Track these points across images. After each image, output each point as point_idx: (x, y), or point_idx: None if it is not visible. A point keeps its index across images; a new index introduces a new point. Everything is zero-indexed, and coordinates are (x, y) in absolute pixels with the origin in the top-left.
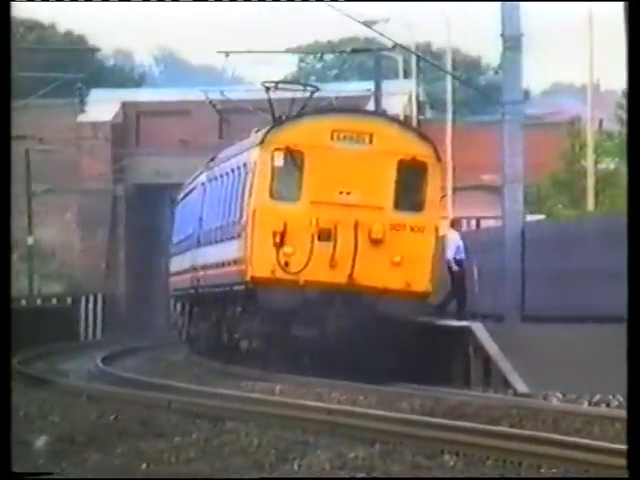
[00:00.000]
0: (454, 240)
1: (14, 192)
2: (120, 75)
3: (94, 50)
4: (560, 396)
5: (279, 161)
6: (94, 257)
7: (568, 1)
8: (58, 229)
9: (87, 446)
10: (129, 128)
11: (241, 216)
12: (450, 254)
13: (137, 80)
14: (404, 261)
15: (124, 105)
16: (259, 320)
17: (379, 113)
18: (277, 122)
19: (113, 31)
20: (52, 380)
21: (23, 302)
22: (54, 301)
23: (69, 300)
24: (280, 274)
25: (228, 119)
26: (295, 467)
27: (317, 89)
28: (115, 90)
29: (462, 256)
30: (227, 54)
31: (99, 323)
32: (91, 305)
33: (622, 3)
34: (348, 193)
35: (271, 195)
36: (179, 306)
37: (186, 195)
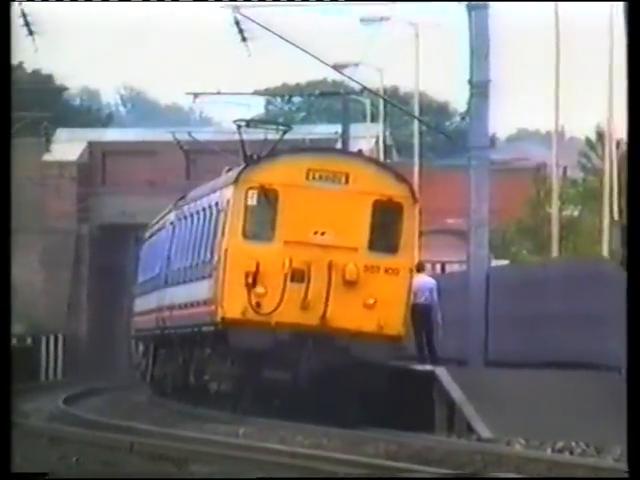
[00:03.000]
0: (423, 284)
1: None
2: (87, 115)
3: (61, 90)
4: (523, 442)
5: (253, 200)
6: (57, 297)
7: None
8: (21, 268)
9: None
10: (95, 168)
11: (212, 256)
12: (420, 299)
13: (104, 120)
14: (378, 303)
15: (90, 145)
16: (229, 362)
17: (356, 153)
18: (251, 161)
19: (80, 71)
20: (12, 421)
21: None
22: (14, 341)
23: (29, 340)
24: (251, 315)
25: (195, 160)
26: None
27: (289, 128)
28: (81, 130)
29: (431, 301)
30: (195, 95)
31: (60, 363)
32: (52, 345)
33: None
34: (322, 233)
35: (244, 235)
36: (142, 347)
37: (153, 234)
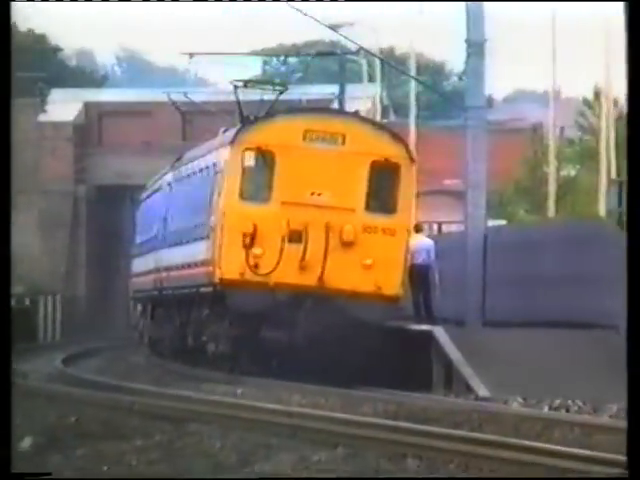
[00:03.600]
0: (421, 245)
1: None
2: (82, 75)
3: (56, 50)
4: (521, 400)
5: (250, 161)
6: (54, 258)
7: (561, 1)
8: (18, 230)
9: (48, 447)
10: (91, 128)
11: (210, 216)
12: (417, 259)
13: (99, 80)
14: (375, 264)
15: (86, 105)
16: (227, 322)
17: (352, 113)
18: (248, 122)
19: (75, 31)
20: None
21: None
22: (12, 302)
23: (27, 301)
24: (249, 276)
25: (191, 120)
26: (258, 470)
27: (286, 88)
28: (77, 90)
29: (429, 261)
30: (191, 55)
31: (58, 324)
32: (50, 306)
33: (599, 6)
34: (319, 194)
35: (241, 196)
36: (140, 307)
37: (150, 195)
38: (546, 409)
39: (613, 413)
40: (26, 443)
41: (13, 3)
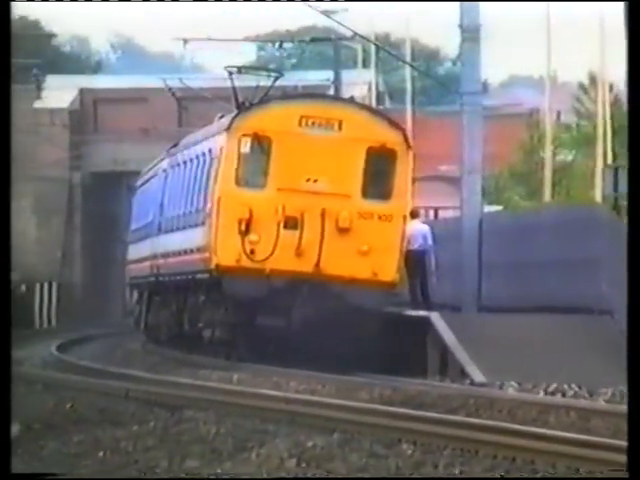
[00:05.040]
0: (417, 231)
1: None
2: (77, 61)
3: (50, 36)
4: (516, 385)
5: (246, 147)
6: (50, 245)
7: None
8: (13, 216)
9: (43, 434)
10: (87, 115)
11: (206, 203)
12: (413, 245)
13: (94, 67)
14: (371, 250)
15: (81, 92)
16: (223, 309)
17: (348, 99)
18: (243, 108)
19: (69, 17)
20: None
21: None
22: None
23: (23, 288)
24: (245, 262)
25: (187, 107)
26: (253, 456)
27: (281, 74)
28: (72, 76)
29: (425, 247)
30: (185, 41)
31: (54, 311)
32: (46, 293)
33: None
34: (315, 180)
35: (237, 182)
36: (136, 294)
37: (146, 182)
38: (542, 394)
39: (608, 397)
40: (14, 430)
41: None
